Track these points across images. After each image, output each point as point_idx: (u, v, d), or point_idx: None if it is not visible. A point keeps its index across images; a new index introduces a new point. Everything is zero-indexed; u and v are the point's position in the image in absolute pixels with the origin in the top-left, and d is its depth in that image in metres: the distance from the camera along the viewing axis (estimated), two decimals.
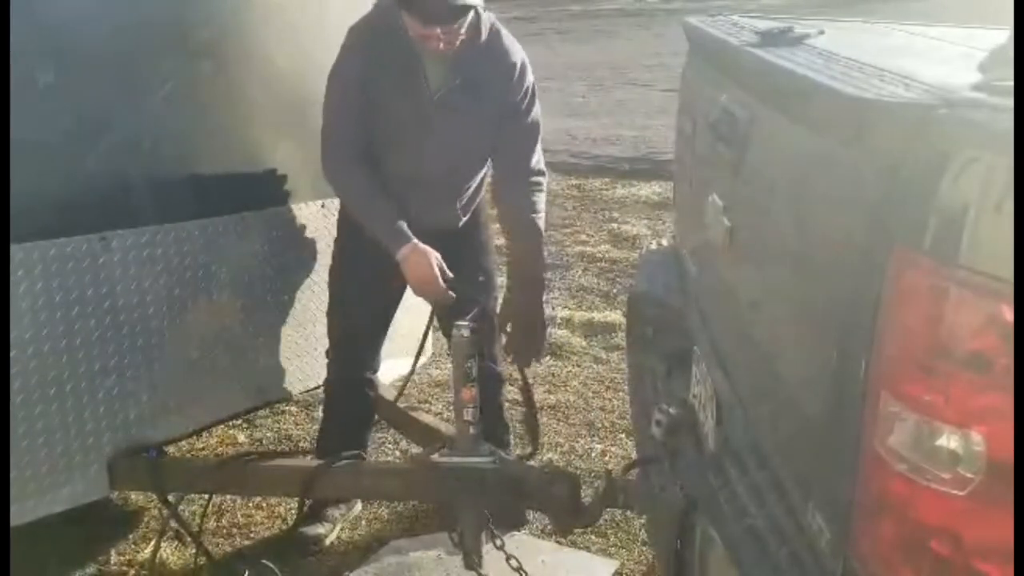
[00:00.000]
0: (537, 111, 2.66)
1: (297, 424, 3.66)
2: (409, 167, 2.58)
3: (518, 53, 2.60)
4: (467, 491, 2.34)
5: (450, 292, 2.54)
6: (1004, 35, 1.12)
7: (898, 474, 1.00)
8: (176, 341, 2.59)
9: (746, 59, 1.67)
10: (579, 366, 4.33)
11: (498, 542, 2.50)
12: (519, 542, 2.79)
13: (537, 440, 2.47)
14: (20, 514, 2.26)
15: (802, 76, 1.35)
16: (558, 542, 2.88)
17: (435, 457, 2.37)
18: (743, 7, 10.65)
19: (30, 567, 2.66)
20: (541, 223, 2.63)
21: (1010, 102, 0.93)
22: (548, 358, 4.41)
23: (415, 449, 2.82)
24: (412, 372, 2.67)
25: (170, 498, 2.46)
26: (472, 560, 2.43)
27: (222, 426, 3.32)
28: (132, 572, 2.71)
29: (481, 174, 2.75)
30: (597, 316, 4.92)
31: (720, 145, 1.76)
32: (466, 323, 2.36)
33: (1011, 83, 1.00)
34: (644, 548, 2.85)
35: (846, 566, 1.15)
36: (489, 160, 2.72)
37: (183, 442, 3.08)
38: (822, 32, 1.74)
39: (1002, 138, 0.86)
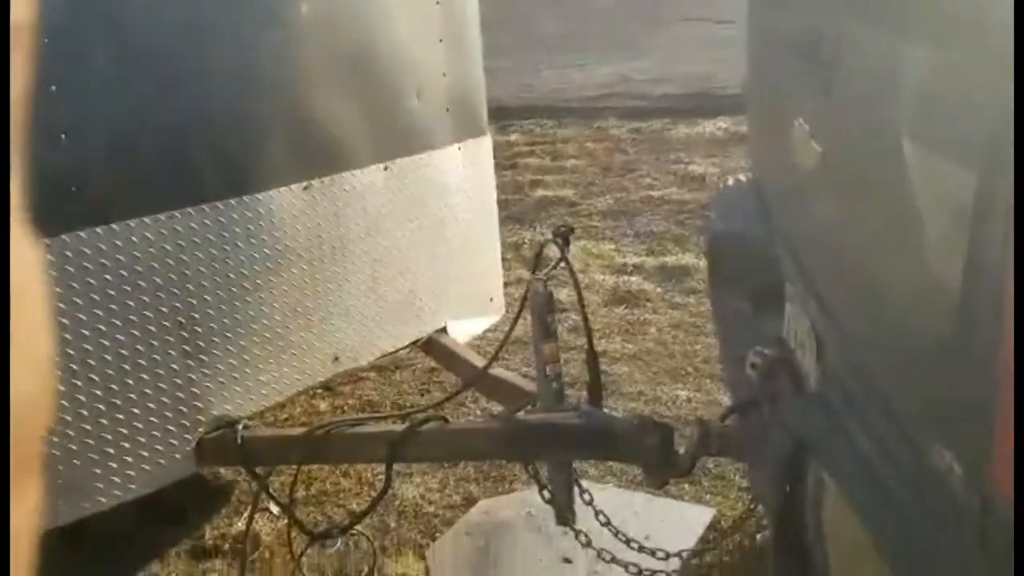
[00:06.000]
0: None
1: (376, 389, 3.66)
2: None
3: None
4: (554, 447, 2.29)
5: None
6: None
7: None
8: (253, 316, 2.58)
9: None
10: (656, 312, 4.23)
11: (587, 497, 2.45)
12: (609, 495, 2.75)
13: (599, 390, 2.39)
14: (111, 496, 2.29)
15: None
16: (649, 493, 2.83)
17: (520, 415, 2.32)
18: None
19: (125, 547, 2.72)
20: None
21: None
22: (623, 306, 4.32)
23: (497, 408, 2.77)
24: (509, 334, 2.57)
25: (259, 471, 2.46)
26: (565, 517, 2.38)
27: (304, 396, 3.33)
28: (226, 546, 2.74)
29: None
30: (670, 260, 4.81)
31: (805, 66, 1.64)
32: (542, 275, 2.29)
33: None
34: (740, 494, 2.77)
35: (984, 505, 1.06)
36: None
37: (267, 414, 3.10)
38: None
39: None
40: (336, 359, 2.87)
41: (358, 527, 2.53)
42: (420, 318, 3.09)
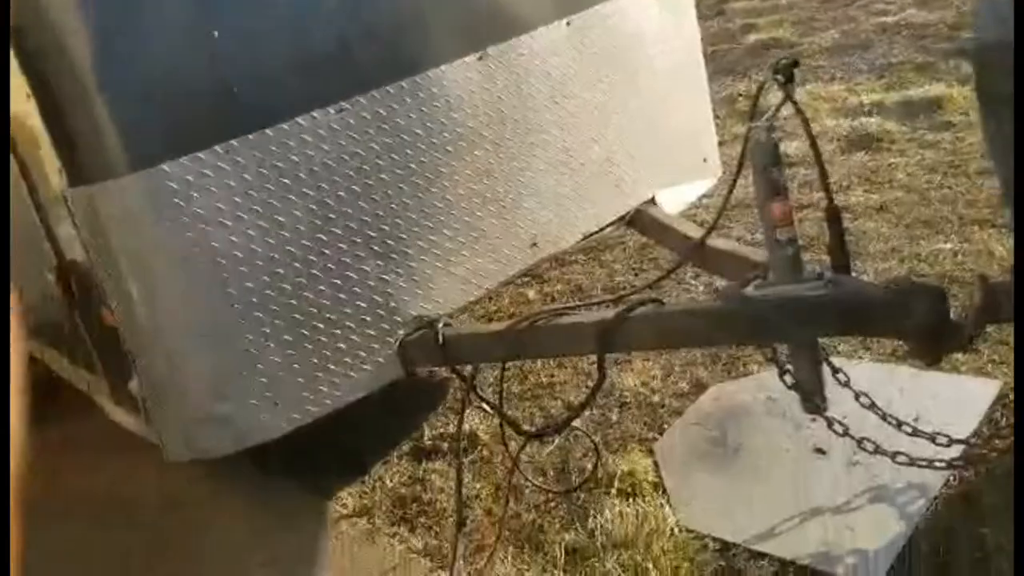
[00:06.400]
0: None
1: (585, 273, 3.42)
2: None
3: None
4: (795, 326, 1.92)
5: None
6: None
7: None
8: (439, 206, 2.37)
9: None
10: (903, 155, 3.63)
11: (841, 377, 2.08)
12: (866, 372, 2.35)
13: (845, 252, 1.97)
14: (321, 406, 2.21)
15: None
16: (915, 367, 2.39)
17: (748, 290, 1.97)
18: None
19: (347, 450, 2.69)
20: None
21: None
22: (862, 152, 3.75)
23: (722, 284, 2.43)
24: (729, 196, 2.19)
25: (465, 371, 2.30)
26: (814, 403, 2.03)
27: (510, 286, 3.14)
28: (445, 445, 2.64)
29: None
30: (915, 94, 4.11)
31: None
32: (764, 122, 1.88)
33: None
34: None
35: None
36: None
37: (477, 307, 2.95)
38: None
39: None
40: (534, 244, 2.62)
41: (576, 423, 2.31)
42: (622, 190, 2.77)
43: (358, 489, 2.56)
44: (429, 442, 2.69)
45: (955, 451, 1.97)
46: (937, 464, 1.95)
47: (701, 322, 2.08)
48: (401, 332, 2.35)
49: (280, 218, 2.11)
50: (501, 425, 2.29)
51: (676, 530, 2.07)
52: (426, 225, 2.37)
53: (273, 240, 2.11)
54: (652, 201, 2.92)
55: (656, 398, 2.62)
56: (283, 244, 2.13)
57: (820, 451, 2.24)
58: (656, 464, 2.35)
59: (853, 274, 1.99)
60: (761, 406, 2.46)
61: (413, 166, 2.32)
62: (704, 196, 3.09)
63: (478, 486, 2.43)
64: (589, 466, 2.38)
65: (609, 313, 2.12)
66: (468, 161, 2.40)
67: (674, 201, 2.98)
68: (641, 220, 2.89)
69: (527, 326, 2.20)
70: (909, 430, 2.03)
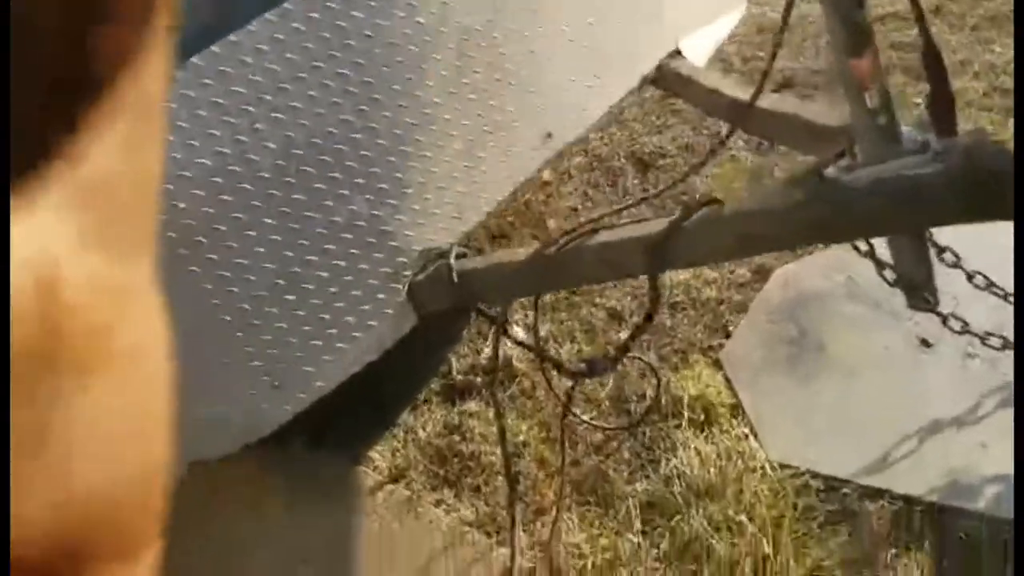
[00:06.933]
0: None
1: (604, 139, 2.97)
2: None
3: None
4: (902, 215, 1.52)
5: None
6: None
7: None
8: (435, 114, 1.93)
9: None
10: None
11: (948, 256, 1.71)
12: (973, 237, 1.95)
13: (951, 110, 1.55)
14: (328, 378, 1.87)
15: None
16: None
17: (832, 172, 1.55)
18: None
19: (366, 402, 2.36)
20: None
21: None
22: None
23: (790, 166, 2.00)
24: (782, 35, 1.72)
25: (492, 310, 1.93)
26: (923, 298, 1.66)
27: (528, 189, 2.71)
28: (478, 380, 2.30)
29: None
30: None
31: None
32: None
33: None
34: None
35: None
36: None
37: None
38: None
39: None
40: (549, 136, 2.18)
41: (636, 353, 1.96)
42: (640, 49, 2.30)
43: (388, 446, 2.24)
44: (460, 376, 2.35)
45: None
46: None
47: (777, 222, 1.67)
48: (408, 273, 1.97)
49: (235, 167, 1.69)
50: (542, 364, 1.94)
51: (768, 467, 1.75)
52: (417, 139, 1.93)
53: (233, 196, 1.70)
54: (676, 52, 2.44)
55: (712, 292, 2.24)
56: (248, 199, 1.72)
57: (926, 343, 1.89)
58: (727, 379, 2.01)
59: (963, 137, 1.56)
60: (842, 290, 2.08)
61: (389, 69, 1.86)
62: (737, 32, 2.60)
63: (524, 428, 2.11)
64: (650, 392, 2.04)
65: (659, 222, 1.71)
66: (458, 51, 1.93)
67: (700, 50, 2.50)
68: (665, 77, 2.42)
69: (557, 251, 1.81)
70: (998, 343, 1.67)
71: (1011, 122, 2.39)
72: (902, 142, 1.58)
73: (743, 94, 2.13)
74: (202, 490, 2.26)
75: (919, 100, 1.97)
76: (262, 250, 1.73)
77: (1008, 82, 2.55)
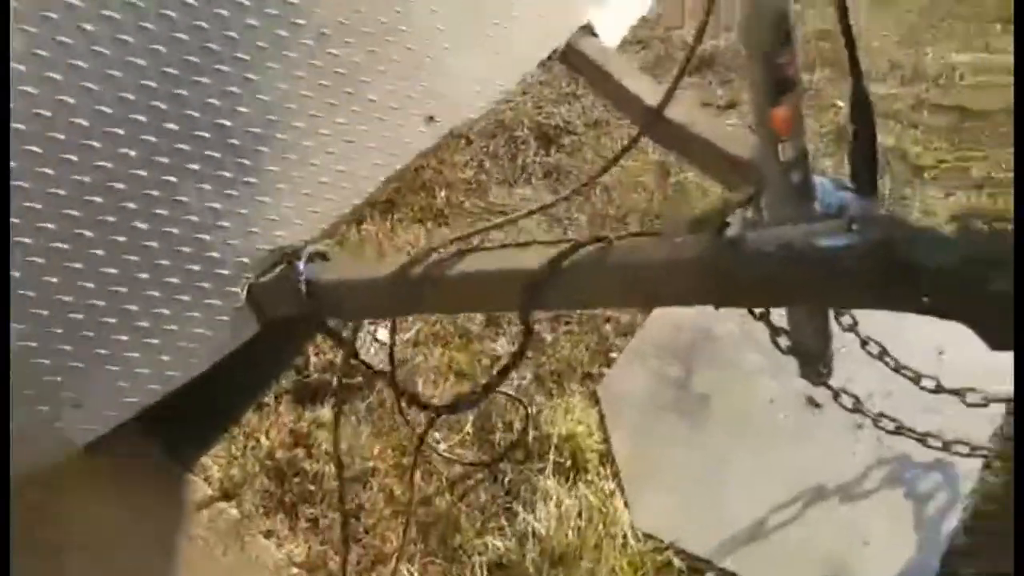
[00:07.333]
0: None
1: (511, 106, 2.70)
2: None
3: None
4: (804, 288, 1.33)
5: None
6: None
7: None
8: (291, 89, 1.63)
9: None
10: None
11: (845, 319, 1.56)
12: None
13: (873, 164, 1.36)
14: (160, 383, 1.61)
15: None
16: None
17: (734, 231, 1.33)
18: None
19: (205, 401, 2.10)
20: None
21: None
22: None
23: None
24: (697, 46, 1.46)
25: (341, 331, 1.68)
26: (817, 371, 1.50)
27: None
28: (335, 381, 2.07)
29: None
30: None
31: None
32: None
33: None
34: None
35: None
36: None
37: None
38: None
39: None
40: (431, 119, 1.91)
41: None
42: (548, 22, 2.05)
43: (226, 452, 2.00)
44: (316, 374, 2.11)
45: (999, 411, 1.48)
46: (976, 451, 1.46)
47: (668, 277, 1.46)
48: (250, 275, 1.70)
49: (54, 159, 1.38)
50: (396, 395, 1.71)
51: (631, 535, 1.58)
52: (269, 119, 1.64)
53: (59, 188, 1.41)
54: (588, 30, 2.18)
55: (600, 308, 2.04)
56: (72, 192, 1.42)
57: (815, 403, 1.73)
58: (602, 417, 1.82)
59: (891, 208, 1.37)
60: (736, 331, 1.89)
61: (246, 55, 1.55)
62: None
63: (375, 451, 1.89)
64: (518, 423, 1.85)
65: (538, 255, 1.47)
66: (334, 33, 1.63)
67: (615, 27, 2.24)
68: (573, 57, 2.16)
69: (423, 272, 1.56)
70: (931, 384, 1.52)
71: (935, 144, 2.23)
72: (815, 201, 1.38)
73: (651, 95, 1.90)
74: (36, 495, 2.01)
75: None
76: (82, 239, 1.45)
77: (937, 96, 2.38)
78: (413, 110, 1.84)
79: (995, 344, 1.30)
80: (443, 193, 2.53)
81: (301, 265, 1.67)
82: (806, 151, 1.33)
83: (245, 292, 1.69)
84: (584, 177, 2.40)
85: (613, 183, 2.35)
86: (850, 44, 1.26)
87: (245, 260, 1.67)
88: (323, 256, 1.74)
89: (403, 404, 1.70)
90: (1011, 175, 2.04)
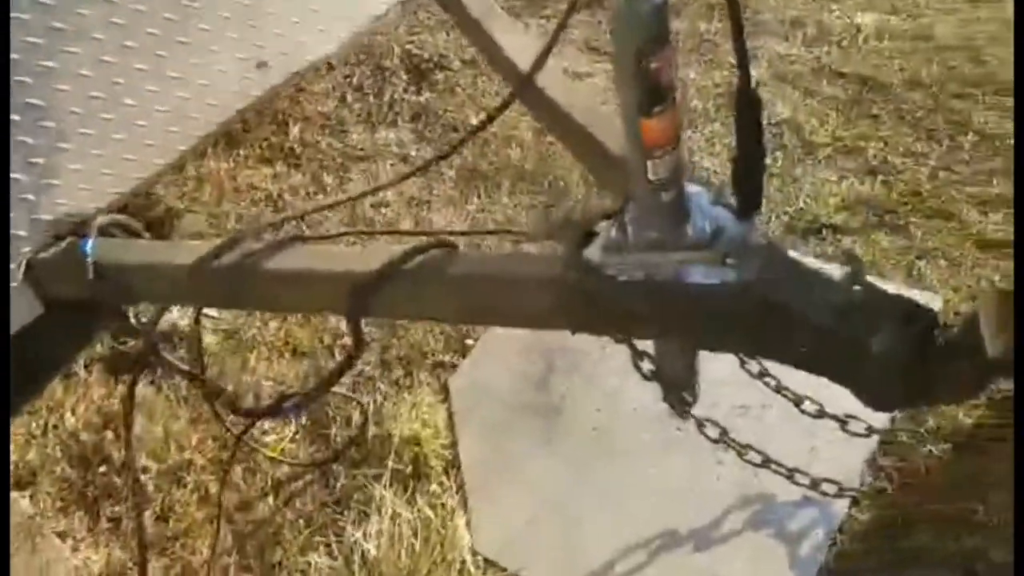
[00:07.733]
0: None
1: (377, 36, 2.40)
2: None
3: None
4: (668, 325, 1.16)
5: None
6: None
7: None
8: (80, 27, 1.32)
9: None
10: None
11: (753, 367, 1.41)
12: None
13: (757, 182, 1.18)
14: None
15: None
16: None
17: (595, 252, 1.15)
18: None
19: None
20: None
21: None
22: None
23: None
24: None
25: (140, 319, 1.42)
26: (682, 400, 1.34)
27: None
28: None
29: None
30: None
31: None
32: None
33: None
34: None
35: None
36: None
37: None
38: None
39: None
40: (263, 64, 1.62)
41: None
42: None
43: (25, 428, 1.74)
44: (132, 342, 1.86)
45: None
46: (844, 492, 1.35)
47: (516, 299, 1.27)
48: (27, 250, 1.42)
49: None
50: (208, 400, 1.48)
51: (471, 561, 1.43)
52: (42, 68, 1.34)
53: None
54: None
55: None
56: None
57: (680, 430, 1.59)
58: (451, 416, 1.65)
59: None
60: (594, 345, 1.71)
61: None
62: None
63: (194, 440, 1.67)
64: (356, 418, 1.66)
65: (374, 256, 1.25)
66: None
67: None
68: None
69: (239, 261, 1.32)
70: (812, 410, 1.40)
71: (832, 117, 2.07)
72: (687, 227, 1.19)
73: (524, 53, 1.65)
74: None
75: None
76: None
77: (839, 60, 2.21)
78: (239, 54, 1.55)
79: (877, 407, 1.17)
80: (297, 129, 2.24)
81: (89, 241, 1.40)
82: (681, 165, 1.13)
83: (22, 269, 1.42)
84: (453, 127, 2.16)
85: (487, 134, 2.11)
86: (738, 31, 1.04)
87: (22, 232, 1.39)
88: (122, 225, 1.47)
89: (216, 409, 1.48)
90: (906, 160, 1.91)
